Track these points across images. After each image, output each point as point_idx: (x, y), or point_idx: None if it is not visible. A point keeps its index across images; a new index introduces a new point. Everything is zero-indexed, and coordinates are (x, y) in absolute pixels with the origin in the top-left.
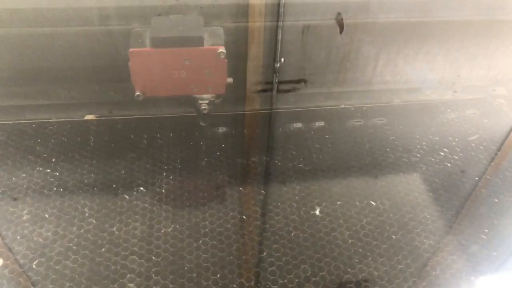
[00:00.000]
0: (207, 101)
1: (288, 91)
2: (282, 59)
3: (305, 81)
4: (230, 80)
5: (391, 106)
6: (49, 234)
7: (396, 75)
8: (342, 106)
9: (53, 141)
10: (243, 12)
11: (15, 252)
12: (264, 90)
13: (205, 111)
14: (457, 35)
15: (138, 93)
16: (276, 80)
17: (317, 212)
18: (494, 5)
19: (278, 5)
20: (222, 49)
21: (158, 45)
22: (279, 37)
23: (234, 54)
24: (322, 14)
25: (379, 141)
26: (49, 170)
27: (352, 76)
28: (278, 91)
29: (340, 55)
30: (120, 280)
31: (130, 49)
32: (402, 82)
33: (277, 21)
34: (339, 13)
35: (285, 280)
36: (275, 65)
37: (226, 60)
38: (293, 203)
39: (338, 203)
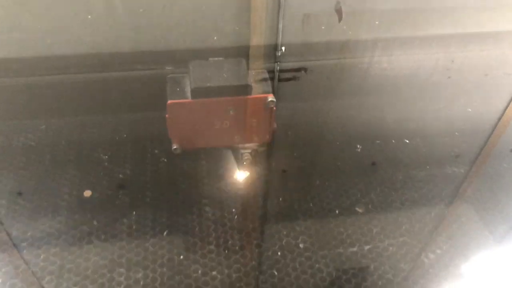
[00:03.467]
0: (250, 151)
1: (289, 79)
2: (283, 48)
3: (305, 69)
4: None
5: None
6: None
7: (393, 62)
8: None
9: None
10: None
11: None
12: (262, 71)
13: (247, 162)
14: (451, 22)
15: (175, 147)
16: (278, 69)
17: None
18: None
19: None
20: (271, 98)
21: (200, 95)
22: (280, 26)
23: (236, 44)
24: (322, 3)
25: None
26: None
27: (350, 63)
28: (279, 79)
29: (338, 43)
30: None
31: (169, 101)
32: (398, 70)
33: (278, 10)
34: (338, 2)
35: None
36: (276, 54)
37: (275, 108)
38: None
39: None
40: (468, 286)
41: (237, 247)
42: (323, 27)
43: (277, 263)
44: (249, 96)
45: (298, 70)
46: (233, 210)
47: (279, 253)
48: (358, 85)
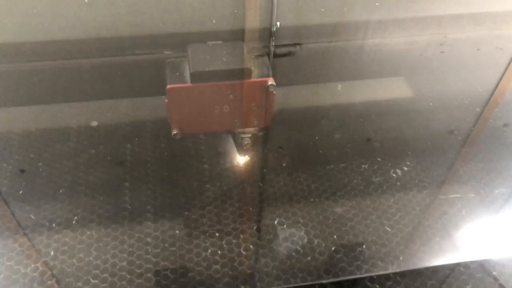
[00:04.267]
0: (250, 135)
1: (284, 55)
2: (278, 23)
3: (300, 44)
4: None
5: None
6: None
7: (386, 37)
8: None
9: None
10: None
11: None
12: (261, 55)
13: (248, 146)
14: (445, 1)
15: (175, 132)
16: (273, 44)
17: None
18: None
19: None
20: (271, 81)
21: (200, 80)
22: (275, 0)
23: (231, 20)
24: None
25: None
26: None
27: (344, 38)
28: (275, 55)
29: (332, 18)
30: None
31: (168, 86)
32: (392, 45)
33: None
34: None
35: None
36: (271, 29)
37: (275, 92)
38: None
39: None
40: None
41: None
42: (316, 3)
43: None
44: (249, 80)
45: (293, 45)
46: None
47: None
48: (352, 62)
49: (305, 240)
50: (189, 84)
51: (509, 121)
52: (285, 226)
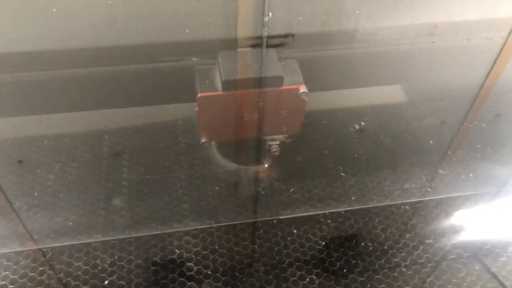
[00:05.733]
0: (278, 142)
1: (277, 45)
2: (270, 14)
3: (292, 35)
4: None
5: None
6: None
7: (377, 28)
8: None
9: None
10: None
11: None
12: (254, 45)
13: (276, 153)
14: None
15: (204, 140)
16: (265, 35)
17: None
18: None
19: None
20: (304, 89)
21: (232, 88)
22: None
23: (224, 10)
24: None
25: None
26: None
27: (336, 28)
28: (268, 45)
29: (323, 9)
30: None
31: (199, 94)
32: (383, 35)
33: None
34: None
35: None
36: (264, 19)
37: (306, 99)
38: None
39: None
40: None
41: None
42: None
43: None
44: (281, 88)
45: (285, 36)
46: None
47: None
48: (343, 52)
49: None
50: (220, 92)
51: (501, 111)
52: None
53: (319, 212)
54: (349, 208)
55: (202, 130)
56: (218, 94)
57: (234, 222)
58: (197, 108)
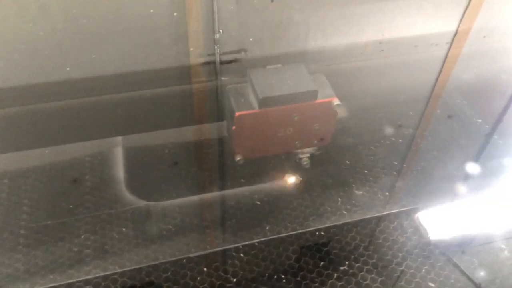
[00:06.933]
0: (308, 155)
1: (230, 61)
2: (221, 31)
3: (245, 50)
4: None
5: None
6: None
7: (327, 38)
8: None
9: None
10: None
11: None
12: (207, 63)
13: (307, 166)
14: None
15: (239, 158)
16: (218, 51)
17: None
18: None
19: None
20: (337, 101)
21: (269, 105)
22: (215, 8)
23: (174, 28)
24: None
25: None
26: None
27: (286, 43)
28: (221, 62)
29: (273, 23)
30: None
31: (236, 113)
32: (333, 45)
33: None
34: None
35: None
36: (215, 37)
37: (338, 111)
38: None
39: None
40: None
41: None
42: (256, 9)
43: None
44: (316, 101)
45: (238, 51)
46: None
47: None
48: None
49: None
50: (257, 110)
51: (453, 112)
52: None
53: (231, 246)
54: (263, 239)
55: (237, 148)
56: (255, 112)
57: (140, 266)
58: (234, 127)
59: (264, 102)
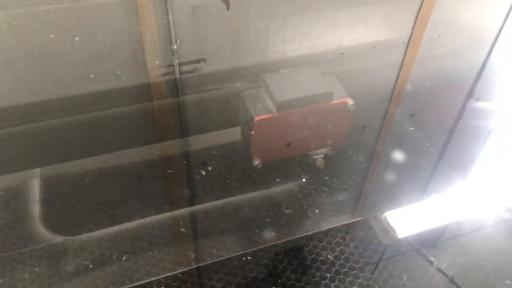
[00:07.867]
0: (322, 155)
1: (190, 72)
2: (179, 41)
3: (204, 60)
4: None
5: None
6: None
7: (287, 44)
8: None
9: None
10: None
11: None
12: (167, 74)
13: (322, 166)
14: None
15: (257, 162)
16: (177, 62)
17: None
18: None
19: None
20: (351, 101)
21: (286, 108)
22: (171, 18)
23: (128, 39)
24: None
25: None
26: None
27: (246, 50)
28: (180, 73)
29: (231, 31)
30: None
31: (256, 118)
32: (293, 51)
33: (165, 3)
34: None
35: None
36: (172, 47)
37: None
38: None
39: None
40: None
41: None
42: (213, 18)
43: None
44: (331, 102)
45: (197, 61)
46: None
47: None
48: (255, 71)
49: None
50: (275, 113)
51: (414, 111)
52: None
53: (154, 279)
54: (186, 269)
55: (256, 152)
56: (274, 116)
57: None
58: (253, 132)
59: (282, 106)
